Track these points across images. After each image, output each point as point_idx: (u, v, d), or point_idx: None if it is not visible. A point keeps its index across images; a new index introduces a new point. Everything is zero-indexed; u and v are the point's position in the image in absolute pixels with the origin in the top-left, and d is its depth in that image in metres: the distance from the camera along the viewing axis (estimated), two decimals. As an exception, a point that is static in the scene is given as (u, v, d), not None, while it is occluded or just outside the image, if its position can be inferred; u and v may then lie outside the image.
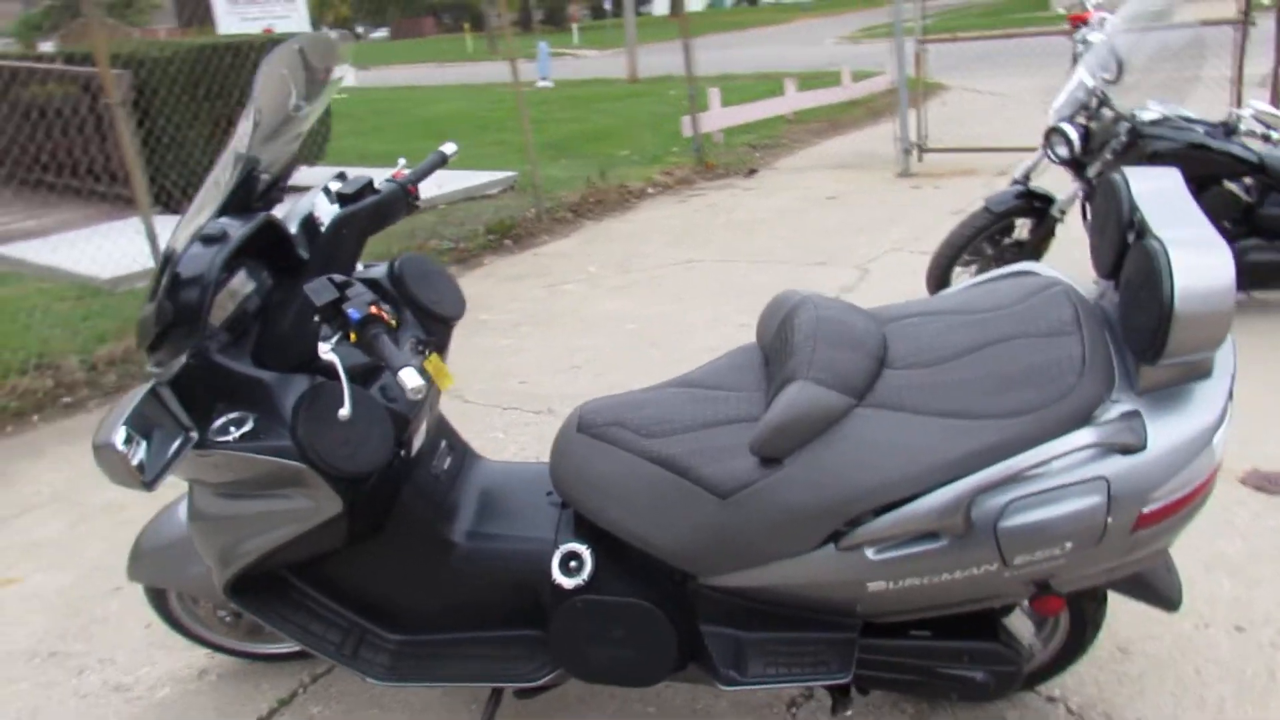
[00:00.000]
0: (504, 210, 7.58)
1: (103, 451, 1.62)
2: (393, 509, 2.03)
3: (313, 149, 8.28)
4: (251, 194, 2.01)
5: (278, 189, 2.10)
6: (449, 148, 2.30)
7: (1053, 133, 4.34)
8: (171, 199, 7.25)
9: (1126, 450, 1.63)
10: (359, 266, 2.18)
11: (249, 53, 7.41)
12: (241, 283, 1.99)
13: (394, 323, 1.75)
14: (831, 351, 1.82)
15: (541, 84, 17.54)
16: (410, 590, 2.13)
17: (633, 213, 7.93)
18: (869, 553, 1.75)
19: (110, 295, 5.59)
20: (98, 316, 5.25)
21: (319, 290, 1.70)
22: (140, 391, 1.72)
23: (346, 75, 19.36)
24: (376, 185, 2.07)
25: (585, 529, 2.01)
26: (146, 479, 1.64)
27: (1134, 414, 1.65)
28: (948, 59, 11.23)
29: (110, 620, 2.81)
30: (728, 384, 2.02)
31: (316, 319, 1.71)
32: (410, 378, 1.59)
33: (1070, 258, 3.79)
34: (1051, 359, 1.73)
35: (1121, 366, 1.73)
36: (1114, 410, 1.67)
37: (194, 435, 1.77)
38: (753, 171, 9.20)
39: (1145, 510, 1.64)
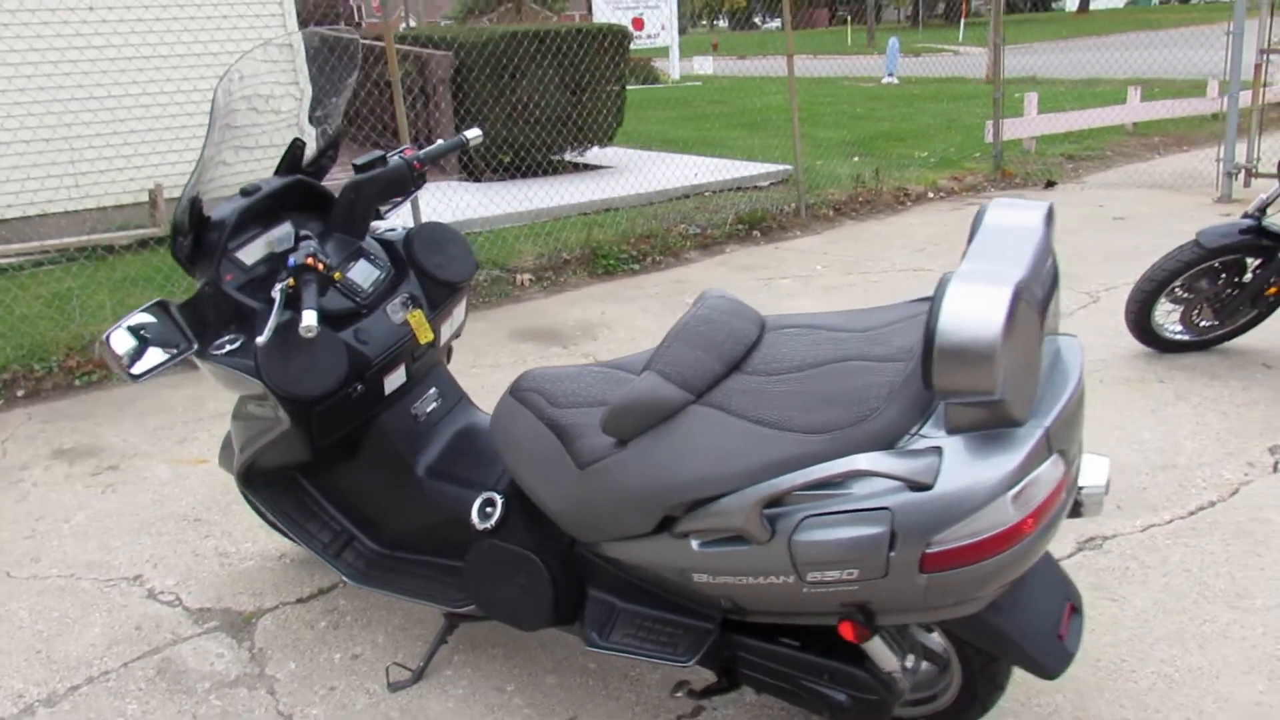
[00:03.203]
0: (764, 202, 7.72)
1: (101, 345, 2.10)
2: (367, 435, 2.38)
3: (603, 132, 8.89)
4: (298, 161, 2.43)
5: (328, 157, 2.50)
6: (471, 133, 2.57)
7: (1289, 161, 3.77)
8: (475, 168, 8.20)
9: (914, 485, 1.57)
10: (398, 226, 2.52)
11: (551, 41, 8.13)
12: (284, 233, 2.41)
13: (336, 274, 2.08)
14: (684, 349, 1.89)
15: (887, 80, 17.26)
16: (385, 509, 2.47)
17: (899, 216, 7.76)
18: (694, 544, 1.83)
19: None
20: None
21: (279, 239, 2.07)
22: (149, 303, 2.18)
23: (704, 65, 20.22)
24: (387, 160, 2.39)
25: (510, 482, 2.23)
26: (133, 373, 2.10)
27: (933, 450, 1.58)
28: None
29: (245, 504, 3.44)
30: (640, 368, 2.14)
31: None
32: (306, 319, 1.91)
33: None
34: (867, 383, 1.69)
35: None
36: (918, 443, 1.61)
37: (195, 345, 2.21)
38: (1051, 184, 8.57)
39: (929, 550, 1.58)
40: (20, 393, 4.71)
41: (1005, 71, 17.12)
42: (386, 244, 2.46)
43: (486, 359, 4.88)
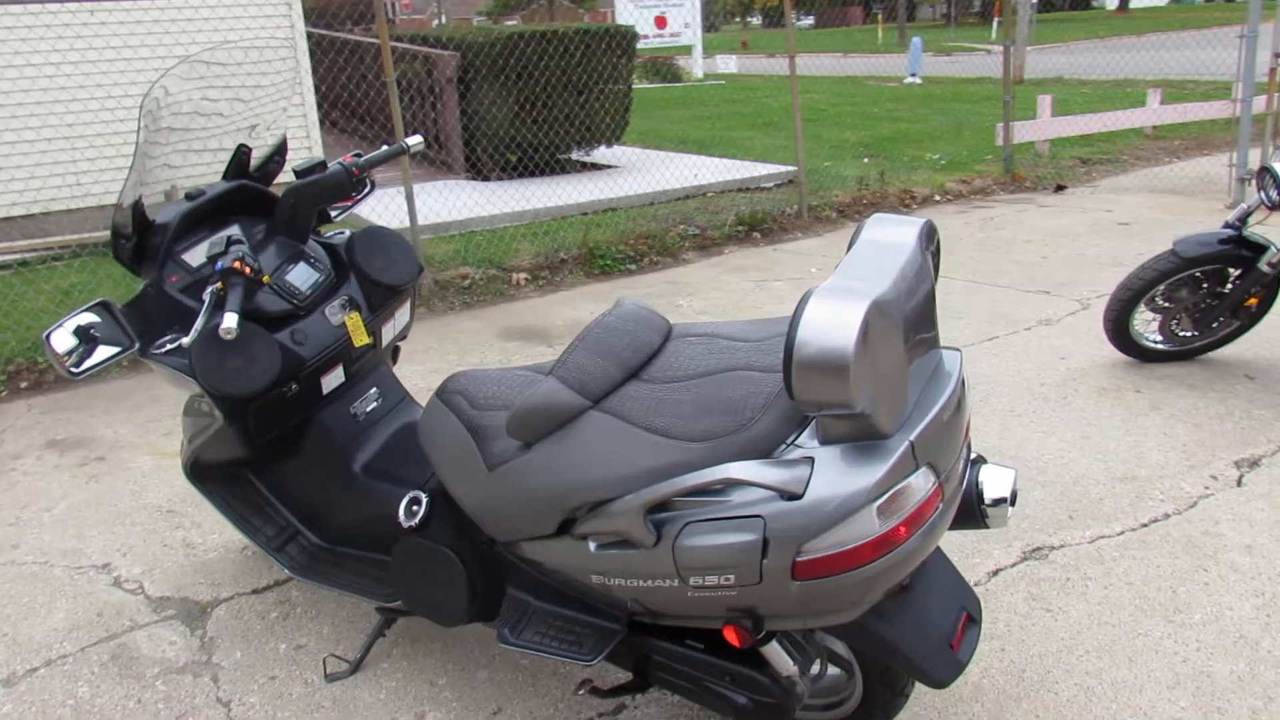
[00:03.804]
0: (766, 204, 7.74)
1: (46, 342, 2.17)
2: (307, 432, 2.45)
3: (609, 132, 8.94)
4: (245, 166, 2.50)
5: (274, 162, 2.57)
6: (412, 140, 2.63)
7: (1264, 172, 3.75)
8: (481, 167, 8.27)
9: (785, 494, 1.61)
10: (346, 230, 2.59)
11: (557, 41, 8.18)
12: (229, 235, 2.48)
13: (264, 278, 2.15)
14: (585, 356, 1.93)
15: (909, 80, 17.15)
16: (325, 505, 2.54)
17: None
18: (591, 546, 1.87)
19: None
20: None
21: (214, 243, 2.14)
22: (92, 303, 2.26)
23: (728, 63, 20.19)
24: (328, 166, 2.46)
25: (438, 481, 2.29)
26: (74, 370, 2.17)
27: (805, 460, 1.62)
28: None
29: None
30: None
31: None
32: (227, 321, 1.98)
33: None
34: (748, 393, 1.73)
35: None
36: (792, 453, 1.65)
37: (137, 345, 2.29)
38: (1061, 188, 8.50)
39: (800, 559, 1.61)
40: (24, 384, 4.85)
41: (1032, 72, 16.99)
42: (330, 247, 2.53)
43: (473, 356, 4.95)
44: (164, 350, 2.29)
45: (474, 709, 2.38)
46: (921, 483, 1.62)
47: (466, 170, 8.66)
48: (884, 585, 1.67)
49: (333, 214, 2.72)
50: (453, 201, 7.15)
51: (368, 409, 2.56)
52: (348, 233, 2.59)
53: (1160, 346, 4.26)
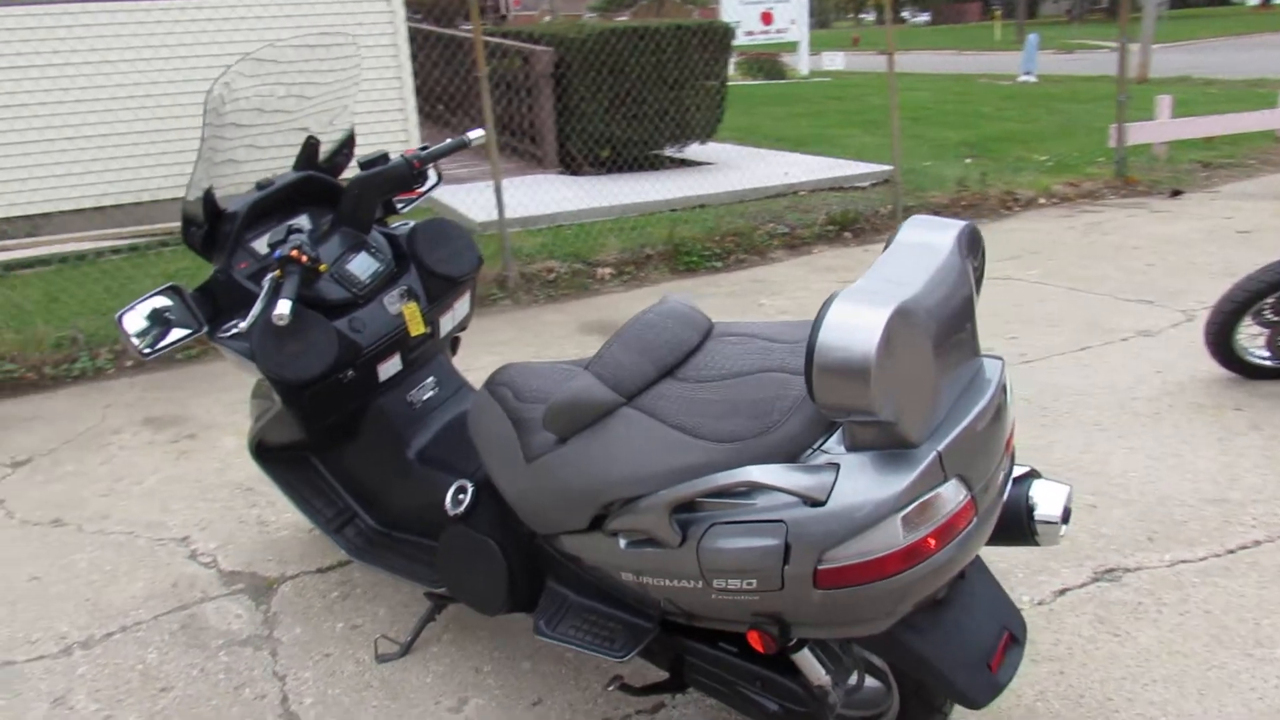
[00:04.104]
0: (859, 203, 7.59)
1: (119, 323, 2.27)
2: (365, 418, 2.51)
3: (702, 128, 8.89)
4: (314, 157, 2.57)
5: (342, 154, 2.63)
6: (473, 134, 2.65)
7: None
8: (573, 162, 8.33)
9: (808, 500, 1.57)
10: (410, 221, 2.65)
11: (651, 37, 8.18)
12: (304, 223, 2.56)
13: (321, 266, 2.21)
14: (622, 352, 1.92)
15: (1023, 79, 16.60)
16: (382, 489, 2.60)
17: (1001, 221, 7.49)
18: (622, 543, 1.86)
19: (476, 236, 6.70)
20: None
21: (275, 232, 2.21)
22: (163, 287, 2.35)
23: (834, 60, 19.93)
24: (390, 159, 2.50)
25: (485, 471, 2.31)
26: (144, 351, 2.27)
27: (830, 466, 1.58)
28: None
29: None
30: None
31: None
32: (280, 307, 2.04)
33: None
34: (776, 395, 1.69)
35: None
36: (818, 458, 1.61)
37: (205, 328, 2.38)
38: (1177, 193, 8.10)
39: (822, 567, 1.57)
40: (129, 363, 5.10)
41: (1158, 71, 16.23)
42: (392, 238, 2.58)
43: (552, 350, 5.00)
44: (229, 334, 2.37)
45: (515, 698, 2.40)
46: (951, 494, 1.56)
47: (559, 165, 8.74)
48: (913, 598, 1.61)
49: (399, 206, 2.78)
50: (543, 195, 7.23)
51: (424, 397, 2.60)
52: (411, 224, 2.64)
53: (1266, 363, 4.01)
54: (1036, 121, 12.01)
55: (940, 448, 1.54)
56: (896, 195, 7.46)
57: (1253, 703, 2.26)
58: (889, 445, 1.54)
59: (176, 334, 2.32)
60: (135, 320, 2.27)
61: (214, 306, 2.42)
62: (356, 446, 2.58)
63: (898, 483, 1.51)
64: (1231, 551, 2.86)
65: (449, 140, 2.65)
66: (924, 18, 64.84)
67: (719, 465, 1.67)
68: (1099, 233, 6.90)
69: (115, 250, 6.28)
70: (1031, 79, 16.68)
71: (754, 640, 1.76)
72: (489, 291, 5.94)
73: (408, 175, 2.53)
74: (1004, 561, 2.84)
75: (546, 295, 5.99)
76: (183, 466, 3.83)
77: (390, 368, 2.51)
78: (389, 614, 2.79)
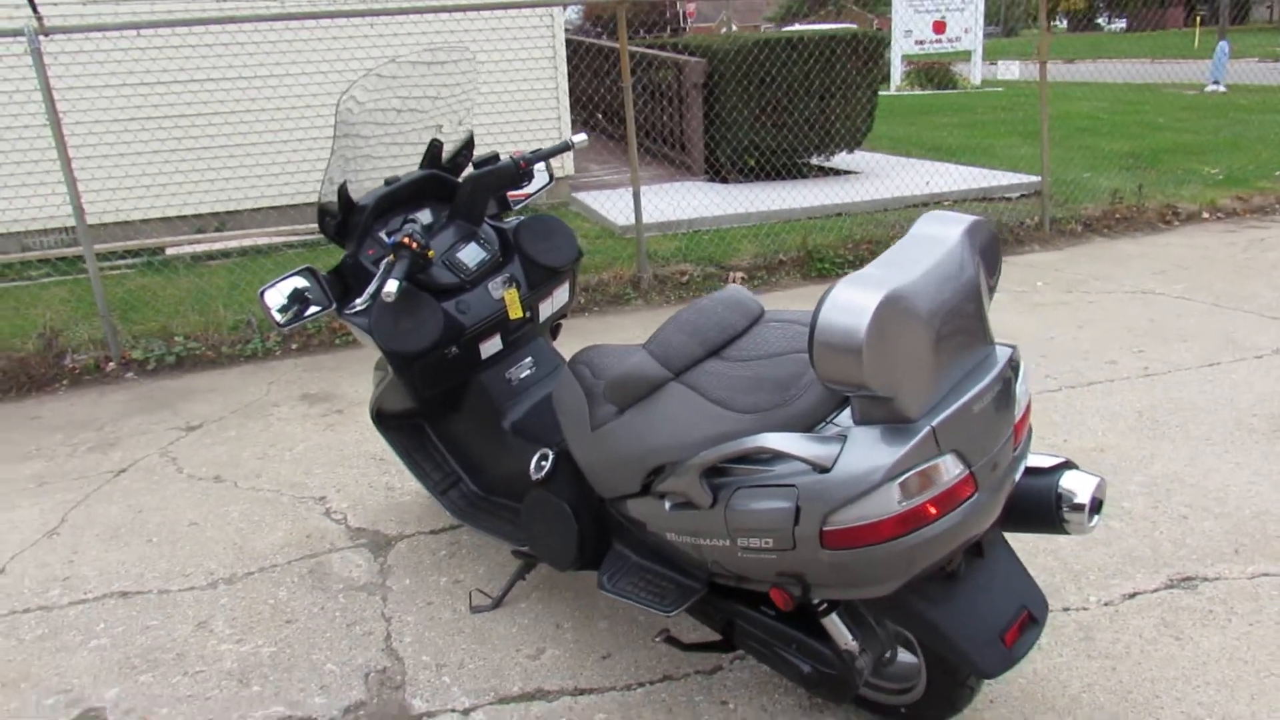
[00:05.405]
0: (1006, 214, 7.47)
1: (260, 298, 2.65)
2: (467, 392, 2.81)
3: (849, 137, 8.91)
4: (437, 157, 2.89)
5: (463, 155, 2.94)
6: (577, 138, 2.91)
7: None
8: (720, 170, 8.53)
9: (816, 467, 1.73)
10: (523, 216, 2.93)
11: (803, 47, 8.28)
12: (424, 217, 2.88)
13: (429, 253, 2.51)
14: (674, 333, 2.12)
15: (1211, 88, 15.67)
16: (482, 457, 2.89)
17: (1158, 235, 7.21)
18: (666, 505, 2.07)
19: (616, 239, 7.01)
20: (593, 253, 6.68)
21: (393, 223, 2.53)
22: (300, 268, 2.71)
23: (1009, 69, 19.39)
24: (500, 159, 2.79)
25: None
26: (281, 323, 2.63)
27: (839, 437, 1.73)
28: None
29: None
30: None
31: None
32: (388, 286, 2.35)
33: None
34: (797, 373, 1.85)
35: None
36: (829, 430, 1.76)
37: (334, 305, 2.72)
38: (1360, 208, 7.57)
39: (827, 528, 1.73)
40: (294, 345, 5.66)
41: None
42: (501, 231, 2.87)
43: (673, 348, 5.21)
44: (354, 311, 2.71)
45: (587, 651, 2.64)
46: (949, 467, 1.69)
47: (706, 172, 8.97)
48: (920, 563, 1.74)
49: (513, 204, 3.07)
50: (684, 201, 7.47)
51: (522, 375, 2.87)
52: (516, 219, 2.92)
53: None
54: (1215, 133, 11.38)
55: (935, 423, 1.67)
56: (1044, 206, 7.31)
57: (1308, 713, 2.24)
58: (890, 420, 1.69)
59: (310, 310, 2.68)
60: (275, 296, 2.64)
61: (344, 287, 2.77)
62: (460, 416, 2.89)
63: (894, 453, 1.66)
64: (1323, 569, 2.79)
65: (554, 143, 2.92)
66: (1120, 24, 61.56)
67: (743, 434, 1.85)
68: (1260, 249, 6.57)
69: (289, 244, 6.94)
70: (1220, 89, 15.73)
71: (776, 598, 1.92)
72: (623, 291, 6.23)
73: (514, 174, 2.81)
74: (1078, 563, 2.87)
75: (678, 297, 6.22)
76: (328, 437, 4.26)
77: (491, 347, 2.80)
78: (488, 572, 3.08)
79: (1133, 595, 2.72)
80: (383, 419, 3.02)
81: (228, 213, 8.02)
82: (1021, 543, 2.94)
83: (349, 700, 2.51)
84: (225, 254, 7.39)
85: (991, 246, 1.88)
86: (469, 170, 2.87)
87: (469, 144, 2.97)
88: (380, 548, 3.28)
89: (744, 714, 2.34)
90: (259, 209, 7.96)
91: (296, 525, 3.47)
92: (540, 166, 3.02)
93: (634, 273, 6.33)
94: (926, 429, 1.66)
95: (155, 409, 4.77)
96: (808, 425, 1.80)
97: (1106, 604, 2.69)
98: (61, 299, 6.59)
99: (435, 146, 2.89)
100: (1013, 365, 1.85)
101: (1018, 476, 1.89)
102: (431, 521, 3.42)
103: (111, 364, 5.41)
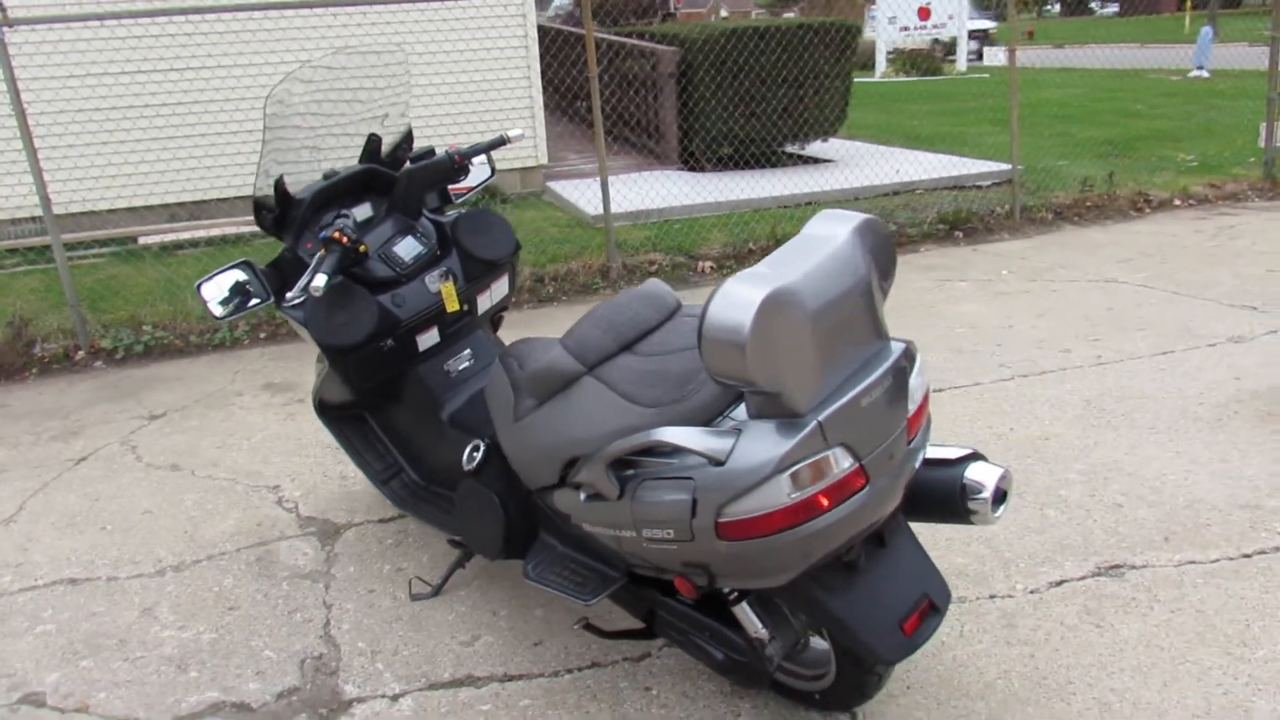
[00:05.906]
0: (976, 203, 7.50)
1: (197, 290, 2.67)
2: (406, 383, 2.84)
3: (823, 126, 8.93)
4: (376, 152, 2.92)
5: (402, 150, 2.97)
6: (513, 132, 2.93)
7: None
8: (694, 158, 8.55)
9: (711, 460, 1.77)
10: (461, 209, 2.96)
11: (776, 36, 8.29)
12: (363, 211, 2.91)
13: (361, 247, 2.54)
14: (590, 328, 2.16)
15: (1195, 74, 15.69)
16: (420, 447, 2.93)
17: (1128, 223, 7.25)
18: (581, 496, 2.11)
19: (585, 228, 7.04)
20: (563, 242, 6.71)
21: (326, 217, 2.56)
22: (237, 261, 2.74)
23: (995, 55, 19.44)
24: (436, 153, 2.81)
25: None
26: (217, 315, 2.66)
27: (734, 431, 1.77)
28: None
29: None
30: None
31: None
32: (315, 280, 2.38)
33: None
34: (697, 368, 1.89)
35: None
36: (725, 424, 1.80)
37: (271, 298, 2.76)
38: (1330, 196, 7.61)
39: (722, 520, 1.77)
40: (263, 335, 5.69)
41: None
42: (439, 225, 2.90)
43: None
44: (290, 305, 2.74)
45: (520, 638, 2.68)
46: (838, 459, 1.73)
47: (680, 161, 8.98)
48: (816, 553, 1.78)
49: (454, 197, 3.09)
50: (658, 190, 7.49)
51: (460, 367, 2.91)
52: (455, 213, 2.95)
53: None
54: (1191, 119, 11.41)
55: (821, 417, 1.71)
56: (1015, 195, 7.34)
57: (1215, 697, 2.29)
58: (779, 414, 1.73)
59: (252, 302, 2.71)
60: (213, 289, 2.67)
61: (282, 280, 2.80)
62: (400, 407, 2.92)
63: (783, 446, 1.70)
64: (1246, 556, 2.84)
65: (490, 138, 2.95)
66: (1112, 9, 61.46)
67: (646, 427, 1.89)
68: (1227, 237, 6.61)
69: (256, 234, 6.95)
70: (1204, 74, 15.74)
71: (681, 587, 1.97)
72: (591, 280, 6.26)
73: (449, 168, 2.83)
74: (1010, 551, 2.92)
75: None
76: (287, 426, 4.30)
77: (429, 339, 2.83)
78: (431, 560, 3.12)
79: (1059, 583, 2.77)
80: (325, 409, 3.06)
81: (196, 203, 8.02)
82: (953, 531, 3.00)
83: (283, 686, 2.55)
84: (195, 244, 7.41)
85: (884, 245, 1.91)
86: (408, 165, 2.90)
87: (408, 138, 2.99)
88: (328, 536, 3.32)
89: (665, 699, 2.39)
90: (226, 199, 7.96)
91: (248, 514, 3.51)
92: (480, 160, 3.04)
93: (603, 262, 6.36)
94: (814, 423, 1.70)
95: (120, 398, 4.80)
96: (707, 419, 1.84)
97: (1032, 591, 2.74)
98: (32, 288, 6.61)
99: (374, 141, 2.92)
100: (908, 358, 1.89)
101: (915, 467, 1.93)
102: (381, 510, 3.46)
103: (80, 353, 5.44)
